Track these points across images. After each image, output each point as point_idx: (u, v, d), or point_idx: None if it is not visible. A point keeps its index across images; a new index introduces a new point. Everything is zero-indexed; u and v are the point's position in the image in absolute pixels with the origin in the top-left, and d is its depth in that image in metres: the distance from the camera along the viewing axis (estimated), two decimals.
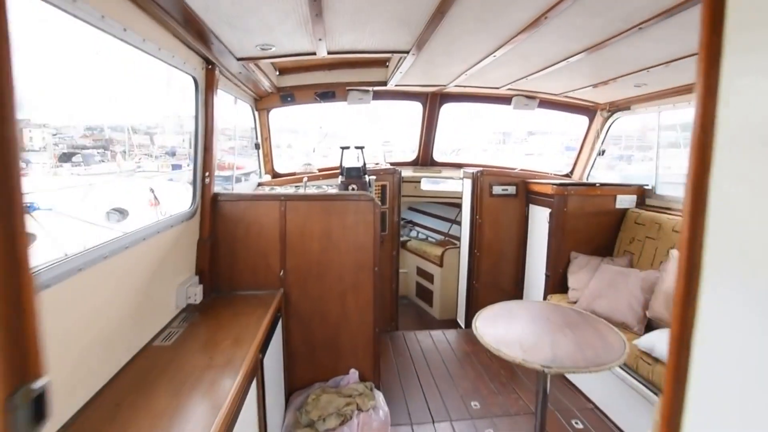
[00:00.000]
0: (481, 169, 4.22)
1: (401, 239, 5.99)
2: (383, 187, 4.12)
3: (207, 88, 2.50)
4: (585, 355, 2.21)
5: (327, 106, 4.56)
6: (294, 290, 2.78)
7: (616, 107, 4.05)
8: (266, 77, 3.37)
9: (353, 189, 3.62)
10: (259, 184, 4.06)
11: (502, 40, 2.36)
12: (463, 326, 4.47)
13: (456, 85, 3.84)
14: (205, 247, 2.57)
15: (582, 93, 3.81)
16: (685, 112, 3.53)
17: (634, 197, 3.69)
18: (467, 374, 3.47)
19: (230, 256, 2.73)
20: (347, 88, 4.07)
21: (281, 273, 2.74)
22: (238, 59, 2.62)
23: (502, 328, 2.54)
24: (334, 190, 3.92)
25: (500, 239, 4.27)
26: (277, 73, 3.77)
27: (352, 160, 3.98)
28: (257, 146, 4.14)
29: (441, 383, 3.33)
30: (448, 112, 4.73)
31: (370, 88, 4.16)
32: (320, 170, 4.41)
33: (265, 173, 4.37)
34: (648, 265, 3.29)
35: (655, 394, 2.48)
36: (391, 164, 4.56)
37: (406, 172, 4.85)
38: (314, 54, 2.66)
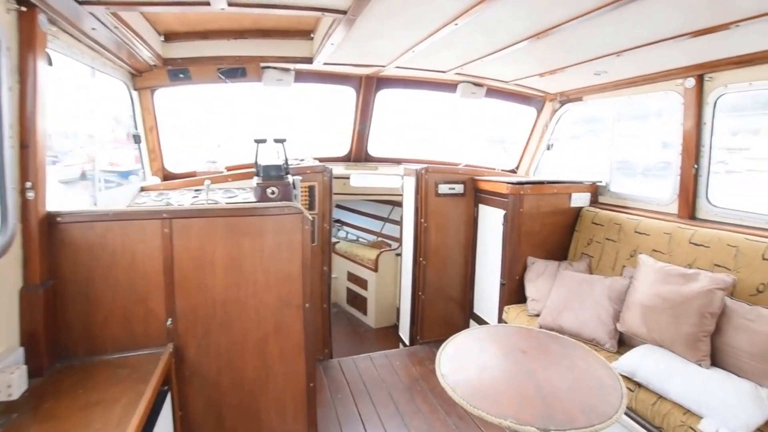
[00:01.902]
0: (426, 165, 3.69)
1: None
2: (311, 188, 3.38)
3: (23, 44, 1.55)
4: (581, 403, 1.78)
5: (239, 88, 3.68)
6: (190, 344, 1.96)
7: (566, 98, 3.78)
8: (143, 43, 2.41)
9: (273, 193, 2.83)
10: (143, 189, 3.05)
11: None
12: (407, 343, 3.95)
13: (397, 67, 3.22)
14: (36, 297, 1.64)
15: (532, 81, 3.45)
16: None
17: (588, 195, 3.44)
18: (419, 408, 2.94)
19: (84, 304, 1.81)
20: (262, 64, 3.22)
21: (169, 322, 1.89)
22: (82, 3, 1.69)
23: (473, 369, 2.03)
24: (248, 195, 3.09)
25: (448, 244, 3.81)
26: (162, 38, 2.78)
27: (271, 156, 3.17)
28: (136, 138, 3.10)
29: (391, 427, 2.75)
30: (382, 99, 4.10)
31: (292, 66, 3.36)
32: (229, 169, 3.51)
33: (152, 174, 3.34)
34: (609, 270, 3.04)
35: (640, 425, 2.16)
36: (319, 160, 3.82)
37: (338, 170, 4.15)
38: (208, 4, 1.82)
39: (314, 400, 2.21)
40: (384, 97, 4.06)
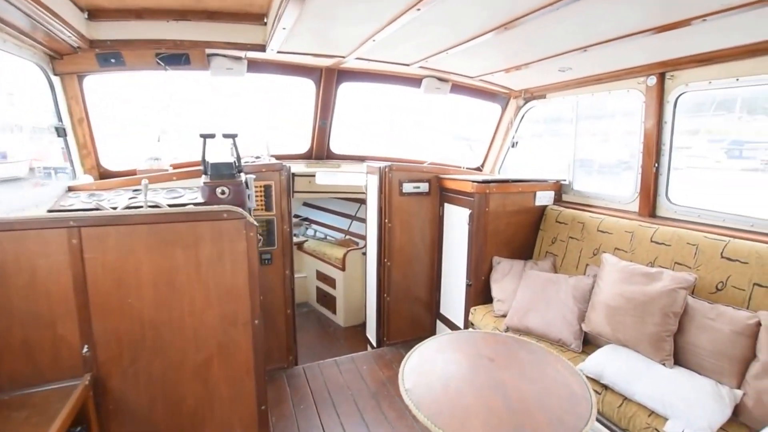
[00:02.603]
0: (389, 163, 3.53)
1: (296, 240, 5.11)
2: (267, 187, 3.13)
3: None
4: (551, 415, 1.69)
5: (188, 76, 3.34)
6: (114, 373, 1.68)
7: (531, 95, 3.73)
8: (55, 17, 2.05)
9: (223, 193, 2.57)
10: (70, 189, 2.68)
11: None
12: (374, 345, 3.81)
13: (358, 58, 3.02)
14: None
15: (497, 77, 3.36)
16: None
17: (552, 193, 3.41)
18: (386, 415, 2.80)
19: None
20: (207, 51, 2.91)
21: (85, 350, 1.61)
22: None
23: (439, 384, 1.90)
24: (196, 195, 2.79)
25: (413, 244, 3.68)
26: (85, 15, 2.43)
27: (225, 154, 2.89)
28: (59, 131, 2.71)
29: None
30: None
31: (243, 54, 3.08)
32: (176, 167, 3.18)
33: (85, 172, 2.96)
34: (573, 268, 3.02)
35: (607, 428, 2.11)
36: (277, 158, 3.57)
37: (298, 167, 3.91)
38: None
39: (267, 424, 1.99)
40: (346, 91, 3.84)
